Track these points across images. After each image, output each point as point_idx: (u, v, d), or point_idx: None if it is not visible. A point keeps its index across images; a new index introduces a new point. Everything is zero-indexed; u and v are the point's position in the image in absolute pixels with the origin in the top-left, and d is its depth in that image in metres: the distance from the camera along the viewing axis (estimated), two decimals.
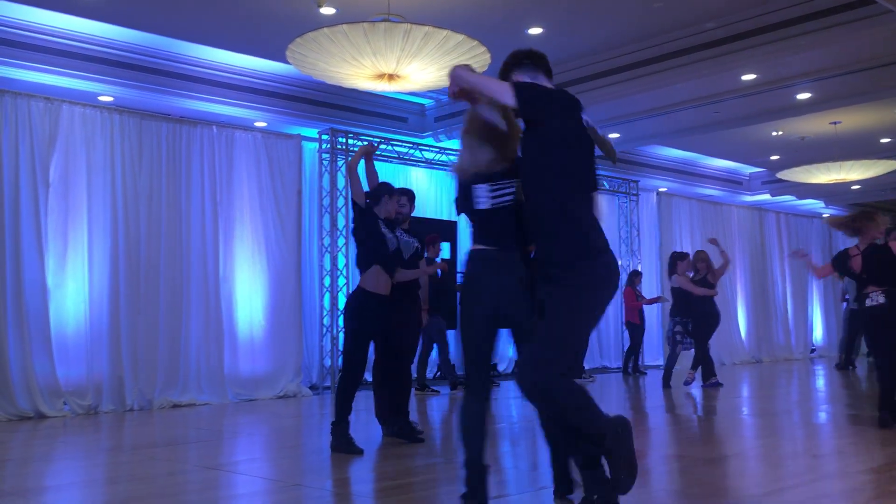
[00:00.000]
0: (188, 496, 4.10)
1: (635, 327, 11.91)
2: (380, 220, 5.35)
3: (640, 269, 12.78)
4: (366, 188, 5.51)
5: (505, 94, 3.05)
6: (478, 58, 6.95)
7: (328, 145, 9.98)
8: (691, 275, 9.63)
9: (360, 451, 5.00)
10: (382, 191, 5.49)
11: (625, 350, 12.53)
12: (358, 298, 5.23)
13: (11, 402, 7.38)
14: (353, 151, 10.20)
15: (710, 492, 3.90)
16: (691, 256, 9.83)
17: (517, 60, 3.34)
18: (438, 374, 10.71)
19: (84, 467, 5.04)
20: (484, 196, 3.35)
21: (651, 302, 12.04)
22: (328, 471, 4.76)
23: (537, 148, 3.14)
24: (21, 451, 5.85)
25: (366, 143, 10.08)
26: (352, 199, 5.45)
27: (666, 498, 3.83)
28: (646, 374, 11.99)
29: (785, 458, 4.82)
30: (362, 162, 5.58)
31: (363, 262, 5.30)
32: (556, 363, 2.97)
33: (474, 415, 3.30)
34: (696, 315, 9.35)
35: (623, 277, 12.64)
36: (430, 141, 10.81)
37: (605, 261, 3.13)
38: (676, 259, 9.62)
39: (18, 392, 7.43)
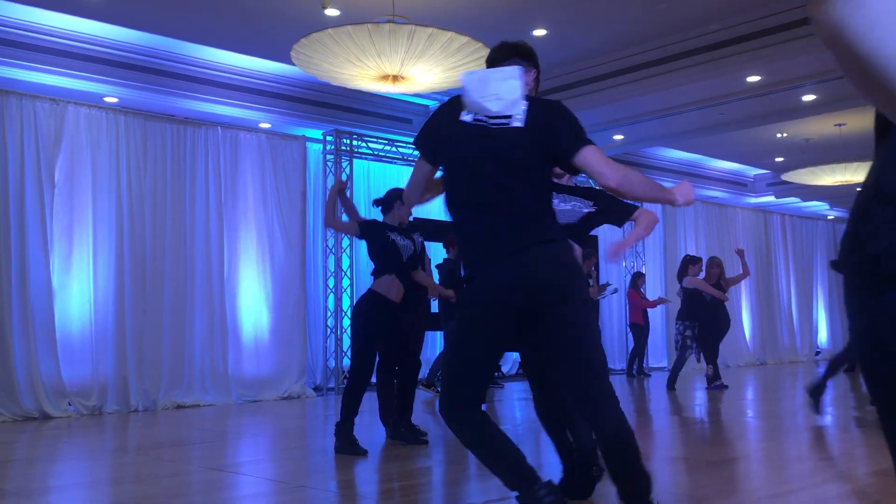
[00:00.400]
0: (192, 497, 4.11)
1: (639, 329, 11.90)
2: (388, 229, 5.34)
3: (643, 271, 12.78)
4: (345, 217, 5.55)
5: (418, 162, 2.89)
6: (482, 60, 6.95)
7: (332, 146, 9.99)
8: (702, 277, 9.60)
9: (364, 452, 5.00)
10: (394, 197, 5.46)
11: (629, 352, 12.53)
12: (369, 301, 5.24)
13: (16, 402, 7.39)
14: (358, 153, 10.22)
15: (715, 494, 3.89)
16: (704, 261, 9.80)
17: (489, 63, 3.00)
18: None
19: (88, 468, 5.05)
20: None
21: (654, 304, 12.02)
22: (333, 472, 4.76)
23: None
24: (26, 452, 5.86)
25: (367, 148, 10.16)
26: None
27: (670, 500, 3.82)
28: (650, 375, 11.98)
29: (790, 460, 4.81)
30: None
31: (379, 273, 5.32)
32: (445, 394, 2.73)
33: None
34: (705, 319, 9.28)
35: (626, 279, 12.64)
36: None
37: (471, 284, 2.66)
38: (689, 263, 9.60)
39: (23, 392, 7.45)
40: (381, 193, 6.09)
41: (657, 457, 5.02)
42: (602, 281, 11.48)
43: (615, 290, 11.58)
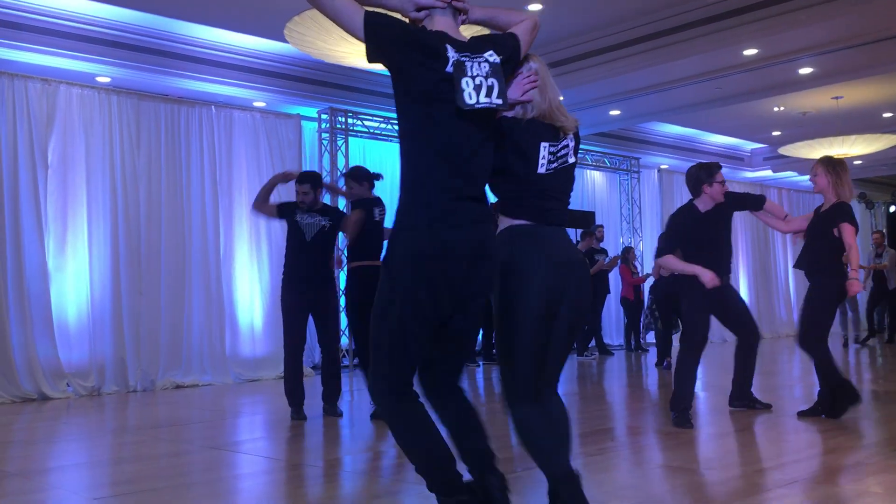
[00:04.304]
0: (192, 476, 4.12)
1: (629, 304, 11.88)
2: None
3: (632, 245, 12.79)
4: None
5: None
6: (476, 35, 6.88)
7: (328, 125, 9.94)
8: None
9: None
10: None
11: (625, 327, 12.59)
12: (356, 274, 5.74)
13: (15, 384, 7.40)
14: (353, 130, 10.17)
15: (710, 467, 3.92)
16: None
17: None
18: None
19: (88, 448, 5.06)
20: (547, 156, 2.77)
21: (643, 280, 11.93)
22: (331, 450, 4.78)
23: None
24: (25, 433, 5.87)
25: (363, 126, 10.13)
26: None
27: (663, 473, 3.84)
28: (647, 351, 11.99)
29: (786, 433, 4.83)
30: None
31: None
32: (376, 373, 2.59)
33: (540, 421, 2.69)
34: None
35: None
36: None
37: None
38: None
39: (21, 374, 7.46)
40: (377, 171, 6.14)
41: (649, 430, 5.04)
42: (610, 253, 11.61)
43: (606, 257, 11.47)
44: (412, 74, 2.50)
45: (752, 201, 5.49)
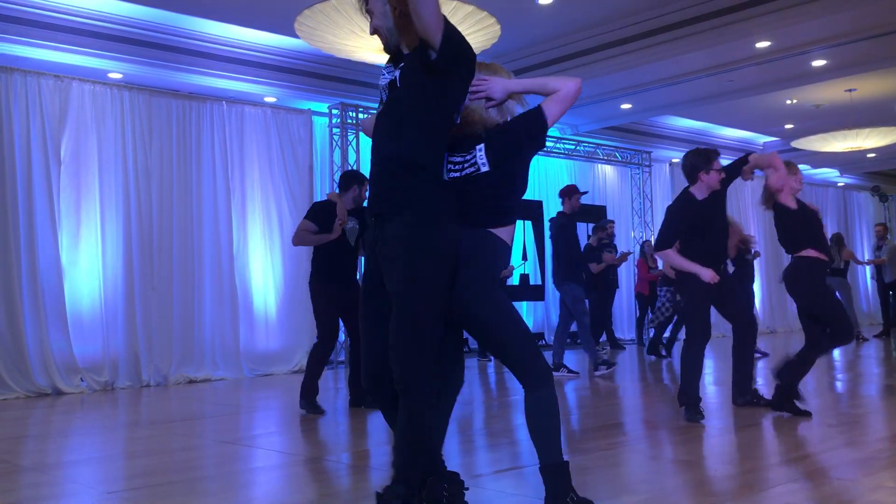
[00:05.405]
0: (206, 470, 4.14)
1: (643, 299, 11.85)
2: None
3: (648, 240, 12.72)
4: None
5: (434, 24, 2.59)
6: (487, 29, 6.88)
7: (338, 120, 9.95)
8: None
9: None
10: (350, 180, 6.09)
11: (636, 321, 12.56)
12: None
13: (29, 378, 7.46)
14: None
15: (721, 461, 3.91)
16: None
17: None
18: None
19: (102, 442, 5.09)
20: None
21: (656, 276, 11.87)
22: (345, 444, 4.80)
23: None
24: (40, 427, 5.91)
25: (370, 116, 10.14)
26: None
27: (676, 467, 3.84)
28: (662, 344, 11.94)
29: (798, 427, 4.81)
30: None
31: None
32: (408, 361, 2.68)
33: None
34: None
35: (637, 248, 12.57)
36: None
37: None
38: None
39: (35, 369, 7.51)
40: None
41: (663, 425, 5.03)
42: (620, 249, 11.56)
43: (616, 252, 11.44)
44: (460, 88, 2.75)
45: (737, 165, 5.42)
